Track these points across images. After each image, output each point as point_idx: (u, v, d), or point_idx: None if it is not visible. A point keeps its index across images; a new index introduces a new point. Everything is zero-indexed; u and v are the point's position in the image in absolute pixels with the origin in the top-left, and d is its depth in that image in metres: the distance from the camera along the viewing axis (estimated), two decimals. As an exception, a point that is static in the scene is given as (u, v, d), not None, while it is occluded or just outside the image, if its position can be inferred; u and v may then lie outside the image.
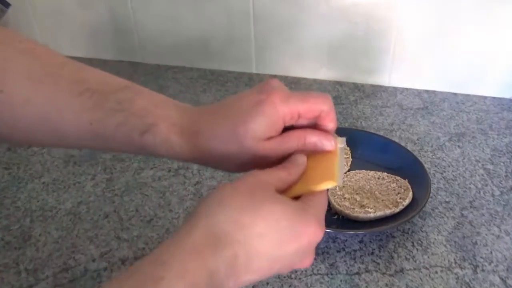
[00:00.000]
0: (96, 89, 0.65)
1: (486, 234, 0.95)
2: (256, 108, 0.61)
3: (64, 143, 0.69)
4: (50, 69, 0.65)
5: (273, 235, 0.52)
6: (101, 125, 0.64)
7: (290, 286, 0.85)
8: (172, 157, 0.66)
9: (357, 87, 1.54)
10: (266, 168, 0.60)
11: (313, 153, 0.64)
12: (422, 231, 0.96)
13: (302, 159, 0.62)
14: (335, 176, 0.59)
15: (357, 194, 0.99)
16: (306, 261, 0.58)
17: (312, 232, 0.55)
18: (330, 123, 0.66)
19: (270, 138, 0.62)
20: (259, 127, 0.61)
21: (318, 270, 0.87)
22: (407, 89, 1.51)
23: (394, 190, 1.00)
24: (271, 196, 0.55)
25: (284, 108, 0.61)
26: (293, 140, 0.63)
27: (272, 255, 0.53)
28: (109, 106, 0.64)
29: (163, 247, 0.51)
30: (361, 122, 1.34)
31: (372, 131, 1.28)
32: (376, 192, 1.00)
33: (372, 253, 0.91)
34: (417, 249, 0.92)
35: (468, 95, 1.46)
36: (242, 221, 0.52)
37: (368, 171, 1.07)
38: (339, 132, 1.16)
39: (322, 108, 0.64)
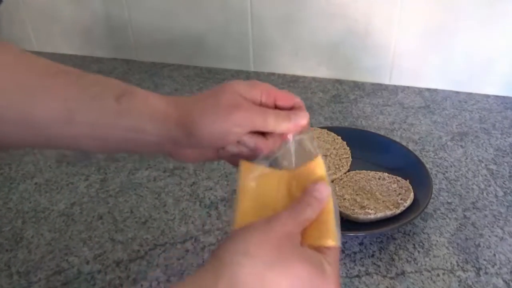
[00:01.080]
0: (71, 71, 0.65)
1: (489, 236, 0.95)
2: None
3: (34, 134, 0.65)
4: (24, 58, 0.64)
5: None
6: (75, 100, 0.63)
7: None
8: (151, 128, 0.65)
9: (357, 86, 1.54)
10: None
11: None
12: (423, 233, 0.96)
13: (326, 192, 0.63)
14: (334, 235, 0.61)
15: (357, 195, 0.99)
16: None
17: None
18: (303, 117, 0.68)
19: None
20: (241, 86, 0.67)
21: (317, 273, 0.87)
22: (408, 87, 1.51)
23: (395, 190, 1.00)
24: (298, 254, 0.55)
25: (263, 84, 0.69)
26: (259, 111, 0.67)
27: None
28: (84, 83, 0.64)
29: None
30: (361, 121, 1.34)
31: (373, 130, 1.28)
32: (377, 193, 1.00)
33: (373, 256, 0.91)
34: (418, 251, 0.92)
35: (470, 94, 1.46)
36: (267, 278, 0.52)
37: (369, 171, 1.07)
38: (339, 131, 1.16)
39: (296, 99, 0.70)
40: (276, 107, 0.69)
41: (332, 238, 0.59)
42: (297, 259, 0.54)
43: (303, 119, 0.67)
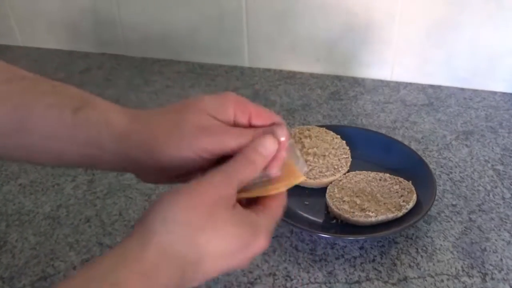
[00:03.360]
0: (28, 77, 0.64)
1: (496, 240, 0.95)
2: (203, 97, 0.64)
3: None
4: None
5: (224, 251, 0.55)
6: (28, 109, 0.61)
7: (285, 295, 0.85)
8: (109, 146, 0.63)
9: (357, 82, 1.54)
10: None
11: None
12: (427, 237, 0.96)
13: (272, 144, 0.62)
14: (297, 173, 0.62)
15: (357, 196, 0.99)
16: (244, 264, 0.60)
17: (258, 246, 0.58)
18: (283, 135, 0.64)
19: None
20: (209, 103, 0.64)
21: (315, 279, 0.87)
22: (410, 83, 1.51)
23: (397, 192, 1.00)
24: (229, 216, 0.56)
25: (236, 98, 0.65)
26: (245, 132, 0.64)
27: (220, 267, 0.56)
28: (42, 89, 0.63)
29: (111, 261, 0.51)
30: (361, 120, 1.34)
31: (373, 129, 1.28)
32: (378, 195, 1.00)
33: (373, 260, 0.91)
34: (421, 256, 0.92)
35: (476, 90, 1.46)
36: (197, 242, 0.53)
37: (369, 172, 1.07)
38: (338, 130, 1.16)
39: (275, 118, 0.66)
40: (251, 126, 0.65)
41: (298, 176, 0.62)
42: (229, 221, 0.55)
43: (282, 137, 0.63)
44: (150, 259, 0.50)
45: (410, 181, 1.02)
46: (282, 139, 0.63)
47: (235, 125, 0.64)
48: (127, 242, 0.52)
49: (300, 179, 0.63)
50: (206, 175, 0.57)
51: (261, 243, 0.58)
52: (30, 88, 0.63)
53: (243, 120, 0.64)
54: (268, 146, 0.61)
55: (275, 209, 0.62)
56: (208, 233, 0.53)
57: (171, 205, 0.54)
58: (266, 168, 0.62)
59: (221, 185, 0.57)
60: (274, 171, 0.63)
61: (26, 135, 0.62)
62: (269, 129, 0.63)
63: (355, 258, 0.92)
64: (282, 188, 0.62)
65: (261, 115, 0.65)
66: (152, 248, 0.51)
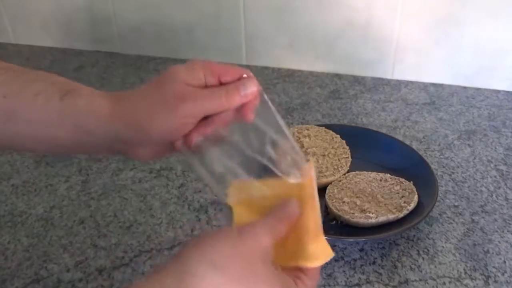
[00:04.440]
0: (13, 68, 0.66)
1: (499, 242, 0.95)
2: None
3: None
4: None
5: None
6: (17, 97, 0.64)
7: (284, 298, 0.85)
8: (97, 130, 0.66)
9: (357, 80, 1.54)
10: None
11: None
12: (428, 238, 0.96)
13: (293, 206, 0.63)
14: (328, 249, 0.63)
15: (357, 197, 0.99)
16: None
17: None
18: (252, 85, 0.68)
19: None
20: (181, 72, 0.66)
21: (314, 281, 0.87)
22: (412, 82, 1.51)
23: (398, 193, 1.00)
24: (267, 275, 0.55)
25: (203, 62, 0.68)
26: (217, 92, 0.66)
27: None
28: (27, 78, 0.65)
29: None
30: (361, 119, 1.34)
31: (374, 128, 1.28)
32: (378, 196, 1.00)
33: (374, 263, 0.91)
34: (423, 258, 0.92)
35: (479, 89, 1.46)
36: None
37: (370, 172, 1.07)
38: (338, 129, 1.16)
39: (242, 72, 0.69)
40: (221, 84, 0.68)
41: (308, 259, 0.61)
42: (266, 282, 0.55)
43: (252, 86, 0.67)
44: None
45: (411, 182, 1.02)
46: (251, 89, 0.67)
47: (207, 87, 0.67)
48: (164, 275, 0.52)
49: (329, 255, 0.64)
50: (245, 226, 0.58)
51: None
52: (16, 77, 0.65)
53: (213, 80, 0.67)
54: (291, 207, 0.62)
55: (314, 278, 0.62)
56: (241, 287, 0.53)
57: (212, 249, 0.54)
58: (240, 113, 0.67)
59: (262, 233, 0.57)
60: (249, 116, 0.67)
61: (16, 123, 0.64)
62: (239, 83, 0.67)
63: (355, 260, 0.92)
64: (319, 262, 0.63)
65: (228, 72, 0.68)
66: None
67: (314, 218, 0.63)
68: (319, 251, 0.62)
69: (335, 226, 0.96)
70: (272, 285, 0.55)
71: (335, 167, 1.07)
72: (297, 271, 0.61)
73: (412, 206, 0.96)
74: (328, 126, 1.19)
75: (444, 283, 0.87)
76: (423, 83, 1.50)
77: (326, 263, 0.89)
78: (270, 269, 0.56)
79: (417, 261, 0.91)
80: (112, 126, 0.65)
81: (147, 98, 0.66)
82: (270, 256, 0.57)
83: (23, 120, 0.64)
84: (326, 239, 0.94)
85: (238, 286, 0.52)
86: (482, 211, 1.02)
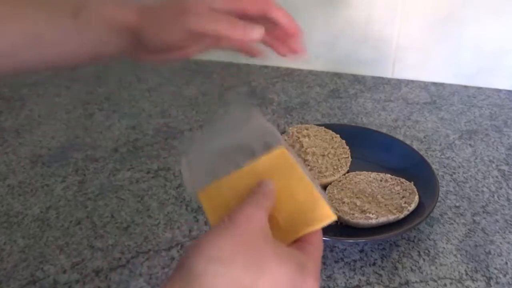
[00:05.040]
0: None
1: (501, 243, 0.95)
2: None
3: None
4: None
5: None
6: (33, 22, 0.68)
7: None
8: (109, 39, 0.71)
9: (357, 79, 1.54)
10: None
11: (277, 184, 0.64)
12: (429, 239, 0.96)
13: (267, 182, 0.63)
14: (328, 210, 0.61)
15: (357, 198, 0.99)
16: None
17: (309, 287, 0.56)
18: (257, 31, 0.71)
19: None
20: None
21: (314, 283, 0.87)
22: (412, 81, 1.52)
23: (399, 193, 1.00)
24: (275, 254, 0.54)
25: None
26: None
27: None
28: (37, 3, 0.70)
29: None
30: (361, 118, 1.34)
31: (374, 128, 1.28)
32: (379, 196, 1.00)
33: (374, 264, 0.91)
34: (424, 259, 0.92)
35: (480, 88, 1.47)
36: (243, 283, 0.51)
37: (370, 172, 1.07)
38: (337, 129, 1.15)
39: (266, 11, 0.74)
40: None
41: (307, 225, 0.60)
42: (275, 260, 0.53)
43: (255, 32, 0.69)
44: None
45: (412, 182, 1.02)
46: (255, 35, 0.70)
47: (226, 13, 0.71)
48: (171, 282, 0.51)
49: (330, 217, 0.62)
50: (234, 211, 0.57)
51: (310, 284, 0.56)
52: (26, 5, 0.69)
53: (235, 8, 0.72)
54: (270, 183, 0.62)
55: (319, 247, 0.61)
56: (254, 273, 0.52)
57: (213, 245, 0.53)
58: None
59: (254, 215, 0.56)
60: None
61: (37, 46, 0.69)
62: (249, 25, 0.70)
63: (355, 261, 0.92)
64: (320, 224, 0.62)
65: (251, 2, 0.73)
66: None
67: (303, 187, 0.62)
68: (318, 215, 0.61)
69: (335, 227, 0.96)
70: (281, 262, 0.54)
71: (335, 167, 1.07)
72: (301, 243, 0.60)
73: (412, 206, 0.96)
74: (328, 126, 1.19)
75: (445, 285, 0.87)
76: (424, 82, 1.50)
77: (326, 265, 0.90)
78: (274, 246, 0.55)
79: (418, 262, 0.91)
80: (120, 34, 0.70)
81: (159, 9, 0.70)
82: (268, 231, 0.56)
83: (42, 43, 0.69)
84: (326, 240, 0.94)
85: (249, 274, 0.51)
86: (483, 212, 1.02)
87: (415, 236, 0.97)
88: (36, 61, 0.72)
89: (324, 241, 0.94)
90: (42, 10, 0.69)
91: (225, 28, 0.68)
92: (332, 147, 1.12)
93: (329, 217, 0.61)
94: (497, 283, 0.87)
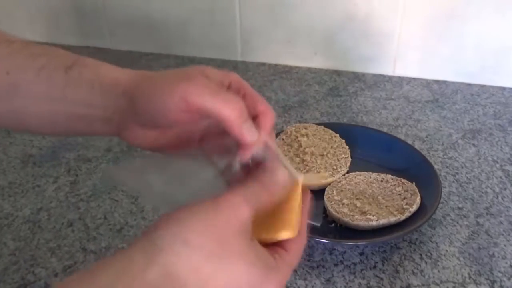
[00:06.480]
0: (16, 41, 0.66)
1: (505, 245, 0.95)
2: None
3: None
4: None
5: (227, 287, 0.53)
6: (20, 72, 0.64)
7: (281, 304, 0.85)
8: (99, 99, 0.65)
9: (357, 77, 1.54)
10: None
11: None
12: (431, 242, 0.96)
13: (283, 177, 0.61)
14: (292, 226, 0.60)
15: (357, 199, 0.99)
16: None
17: None
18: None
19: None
20: (210, 69, 0.64)
21: (313, 286, 0.87)
22: (414, 79, 1.52)
23: (400, 194, 1.00)
24: (244, 251, 0.54)
25: (238, 77, 0.65)
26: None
27: None
28: (30, 52, 0.65)
29: (112, 272, 0.50)
30: (361, 117, 1.34)
31: (375, 127, 1.28)
32: (379, 197, 1.00)
33: (375, 267, 0.91)
34: (425, 262, 0.92)
35: (484, 86, 1.47)
36: (202, 271, 0.51)
37: (370, 173, 1.07)
38: (337, 128, 1.15)
39: (265, 106, 0.65)
40: None
41: (286, 228, 0.59)
42: (242, 257, 0.53)
43: (253, 134, 0.61)
44: (153, 278, 0.49)
45: (414, 183, 1.02)
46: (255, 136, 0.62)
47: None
48: (130, 254, 0.50)
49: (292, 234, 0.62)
50: (221, 196, 0.55)
51: None
52: (20, 51, 0.65)
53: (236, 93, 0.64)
54: (281, 176, 0.61)
55: (294, 254, 0.60)
56: (216, 264, 0.52)
57: (184, 223, 0.52)
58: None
59: (240, 207, 0.55)
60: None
61: (19, 98, 0.65)
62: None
63: (355, 264, 0.92)
64: (275, 235, 0.61)
65: (253, 99, 0.64)
66: (156, 268, 0.49)
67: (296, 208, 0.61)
68: (281, 226, 0.60)
69: (334, 229, 0.96)
70: (247, 260, 0.53)
71: (334, 167, 1.07)
72: (276, 247, 0.59)
73: (414, 208, 0.96)
74: (327, 125, 1.19)
75: (448, 288, 0.87)
76: (426, 80, 1.51)
77: (325, 268, 0.89)
78: (245, 242, 0.54)
79: (420, 265, 0.91)
80: (111, 94, 0.65)
81: (160, 73, 0.64)
82: (248, 228, 0.55)
83: (25, 95, 0.65)
84: (325, 242, 0.94)
85: (211, 264, 0.51)
86: (487, 213, 1.02)
87: (416, 239, 0.97)
88: (12, 114, 0.67)
89: (323, 243, 0.94)
90: (34, 60, 0.65)
91: (233, 115, 0.59)
92: (332, 147, 1.12)
93: (288, 233, 0.59)
94: (501, 286, 0.87)
